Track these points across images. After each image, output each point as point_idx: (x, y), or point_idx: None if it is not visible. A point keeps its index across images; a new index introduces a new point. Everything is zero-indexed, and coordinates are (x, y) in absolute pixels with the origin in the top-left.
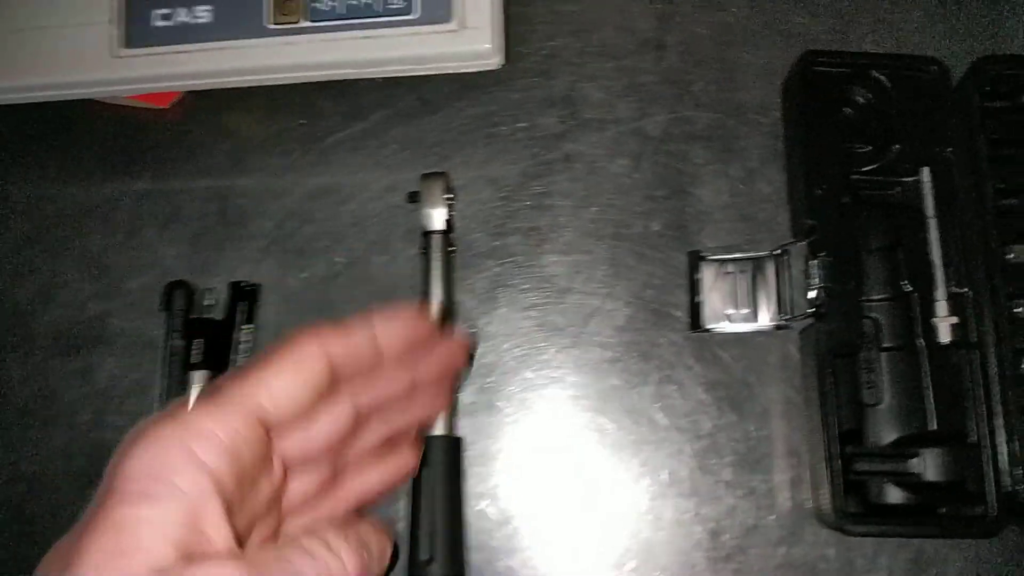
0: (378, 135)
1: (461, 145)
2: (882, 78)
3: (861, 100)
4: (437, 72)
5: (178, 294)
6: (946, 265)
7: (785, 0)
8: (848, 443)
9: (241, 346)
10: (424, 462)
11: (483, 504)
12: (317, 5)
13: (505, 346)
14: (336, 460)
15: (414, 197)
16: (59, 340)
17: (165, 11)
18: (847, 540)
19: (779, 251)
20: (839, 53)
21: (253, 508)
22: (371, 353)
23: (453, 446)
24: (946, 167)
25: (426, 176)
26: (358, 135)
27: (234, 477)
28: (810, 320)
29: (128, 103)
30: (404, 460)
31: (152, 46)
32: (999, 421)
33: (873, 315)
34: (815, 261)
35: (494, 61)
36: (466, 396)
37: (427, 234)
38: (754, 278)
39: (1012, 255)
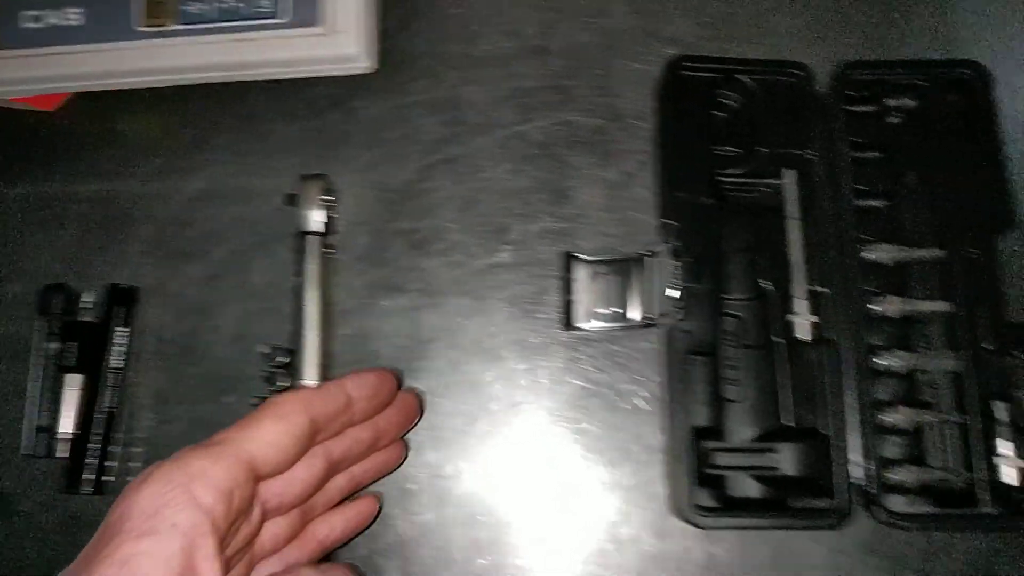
0: (263, 138)
1: (346, 148)
2: (749, 81)
3: (729, 104)
4: (307, 75)
5: (55, 297)
6: (806, 264)
7: (665, 7)
8: (708, 438)
9: (115, 349)
10: None
11: None
12: (187, 8)
13: (383, 348)
14: (306, 508)
15: (292, 199)
16: None
17: (34, 13)
18: (712, 534)
19: (647, 253)
20: (707, 58)
21: (234, 549)
22: (344, 410)
23: None
24: (808, 169)
25: (304, 178)
26: (244, 138)
27: (226, 518)
28: (672, 319)
29: (12, 105)
30: (365, 508)
31: (21, 48)
32: (853, 416)
33: (736, 313)
34: (676, 262)
35: (364, 65)
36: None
37: (303, 235)
38: (625, 278)
39: (869, 254)
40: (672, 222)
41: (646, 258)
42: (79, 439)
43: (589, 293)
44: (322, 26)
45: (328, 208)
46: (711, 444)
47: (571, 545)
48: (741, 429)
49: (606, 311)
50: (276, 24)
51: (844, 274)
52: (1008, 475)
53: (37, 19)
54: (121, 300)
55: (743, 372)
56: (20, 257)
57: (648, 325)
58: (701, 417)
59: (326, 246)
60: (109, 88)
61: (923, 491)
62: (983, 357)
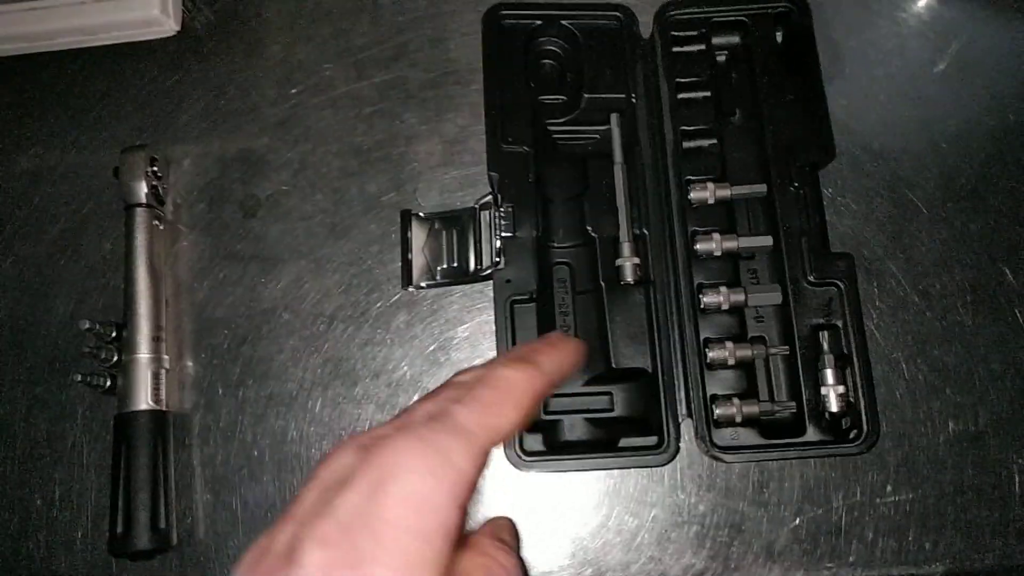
0: (92, 110)
1: (176, 116)
2: (571, 27)
3: (553, 50)
4: (116, 41)
5: None
6: (632, 208)
7: None
8: None
9: None
10: (123, 437)
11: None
12: None
13: (223, 317)
14: None
15: (117, 172)
16: None
17: None
18: (554, 478)
19: (479, 205)
20: (527, 4)
21: None
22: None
23: (156, 420)
24: (633, 113)
25: (126, 149)
26: (75, 110)
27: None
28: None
29: None
30: None
31: None
32: (678, 355)
33: (566, 260)
34: (500, 213)
35: (166, 28)
36: (195, 370)
37: (129, 207)
38: (461, 232)
39: (694, 193)
40: (495, 174)
41: (478, 210)
42: None
43: (427, 249)
44: None
45: (154, 179)
46: None
47: None
48: (579, 372)
49: (444, 266)
50: None
51: (669, 215)
52: (832, 403)
53: None
54: None
55: (576, 317)
56: None
57: (480, 279)
58: None
59: (155, 218)
60: None
61: (752, 423)
62: (806, 289)
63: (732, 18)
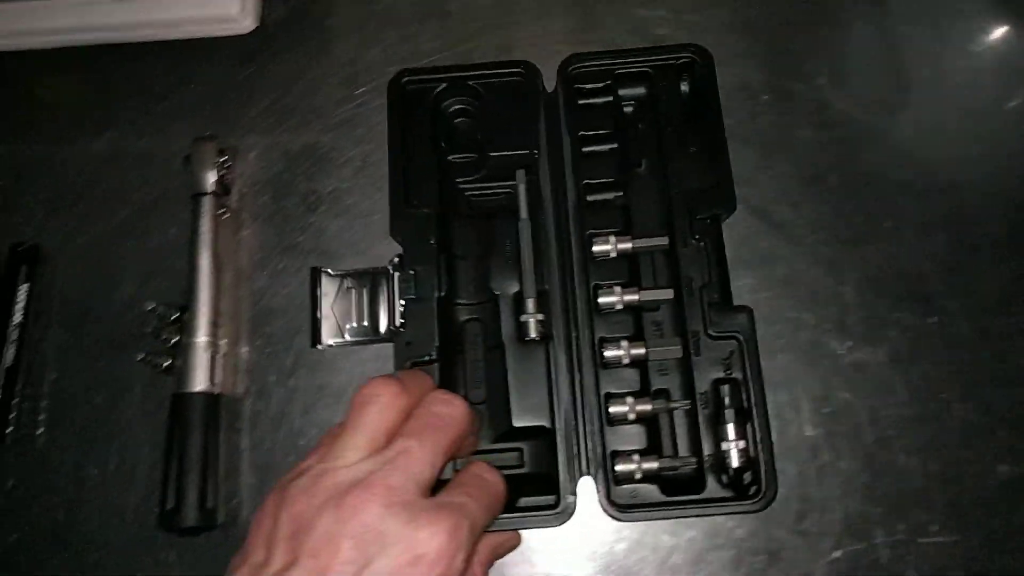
0: (166, 99)
1: (247, 110)
2: (476, 86)
3: (463, 108)
4: (191, 36)
5: None
6: (536, 263)
7: None
8: None
9: (16, 306)
10: (178, 416)
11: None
12: None
13: (277, 305)
14: None
15: (188, 161)
16: None
17: None
18: None
19: (389, 266)
20: (428, 68)
21: None
22: None
23: (210, 402)
24: (537, 168)
25: (198, 139)
26: (147, 100)
27: None
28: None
29: None
30: None
31: None
32: (580, 411)
33: (476, 317)
34: (403, 274)
35: (243, 25)
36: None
37: (196, 196)
38: (371, 291)
39: (597, 247)
40: (399, 237)
41: (391, 270)
42: None
43: (337, 308)
44: None
45: (222, 169)
46: None
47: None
48: (485, 431)
49: (354, 325)
50: None
51: (571, 270)
52: (733, 458)
53: None
54: (23, 258)
55: (484, 374)
56: None
57: (388, 340)
58: None
59: (220, 207)
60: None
61: (653, 479)
62: (707, 342)
63: (636, 69)
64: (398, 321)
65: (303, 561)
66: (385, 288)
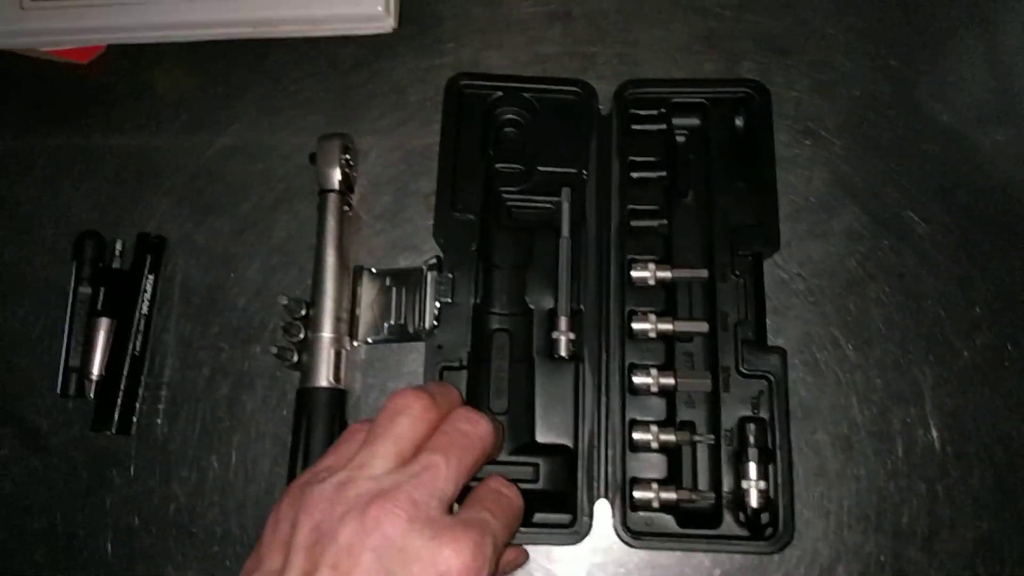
0: (290, 96)
1: (370, 109)
2: (531, 99)
3: (514, 119)
4: (332, 34)
5: (88, 244)
6: (573, 282)
7: None
8: None
9: (144, 295)
10: (304, 411)
11: None
12: None
13: None
14: None
15: (314, 158)
16: None
17: None
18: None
19: (425, 267)
20: (488, 75)
21: None
22: None
23: (335, 398)
24: (583, 188)
25: (324, 137)
26: (271, 95)
27: None
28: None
29: (48, 57)
30: None
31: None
32: (603, 434)
33: (505, 328)
34: (440, 277)
35: (386, 24)
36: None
37: (322, 192)
38: (409, 291)
39: (635, 272)
40: (440, 239)
41: (425, 271)
42: (108, 380)
43: (376, 305)
44: None
45: (347, 167)
46: None
47: None
48: (503, 441)
49: (390, 323)
50: None
51: (609, 292)
52: (752, 497)
53: None
54: (150, 249)
55: (510, 384)
56: (54, 205)
57: (420, 339)
58: None
59: (345, 204)
60: (141, 41)
61: (670, 509)
62: (737, 380)
63: (692, 100)
64: (430, 322)
65: (323, 572)
66: (419, 289)
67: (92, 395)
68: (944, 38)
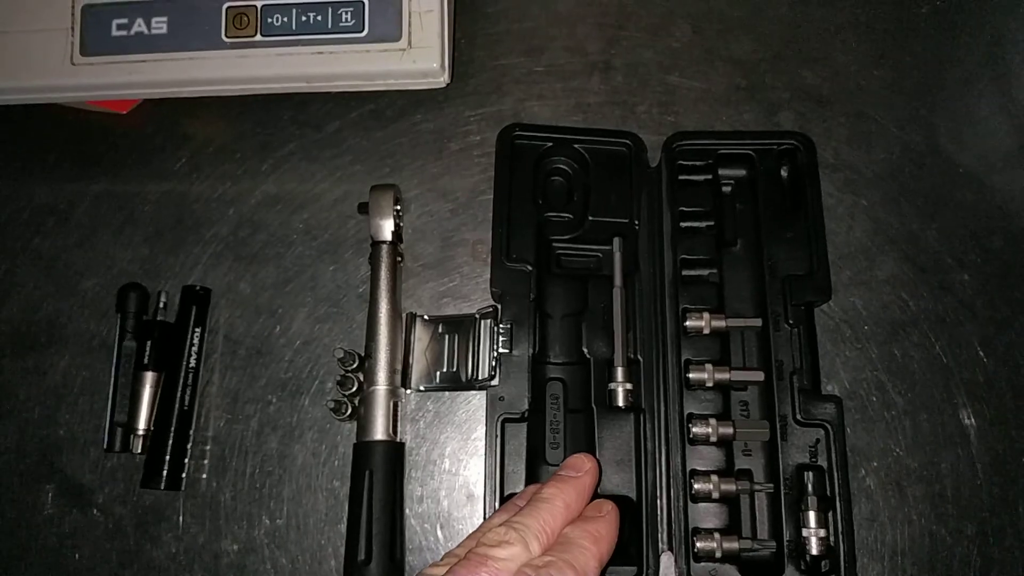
0: (332, 146)
1: (412, 158)
2: (581, 151)
3: (563, 168)
4: (385, 88)
5: (132, 296)
6: (627, 332)
7: (729, 26)
8: None
9: (192, 348)
10: (363, 466)
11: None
12: (270, 20)
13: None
14: None
15: (363, 208)
16: (13, 338)
17: (122, 21)
18: None
19: (478, 315)
20: (539, 126)
21: None
22: None
23: (394, 451)
24: (635, 238)
25: (376, 187)
26: (312, 145)
27: None
28: (490, 384)
29: (88, 107)
30: None
31: (109, 55)
32: (663, 485)
33: (559, 377)
34: (497, 327)
35: (441, 80)
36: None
37: (375, 244)
38: (462, 339)
39: (690, 322)
40: (496, 289)
41: (479, 319)
42: (156, 435)
43: (430, 352)
44: (404, 41)
45: (398, 217)
46: None
47: None
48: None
49: (444, 371)
50: (357, 38)
51: (664, 342)
52: (812, 545)
53: (124, 27)
54: (195, 301)
55: (566, 436)
56: (95, 256)
57: (478, 388)
58: (518, 481)
59: (397, 254)
60: (191, 95)
61: (731, 559)
62: (795, 428)
63: (738, 151)
64: (487, 372)
65: None
66: (472, 337)
67: (139, 450)
68: (961, 86)
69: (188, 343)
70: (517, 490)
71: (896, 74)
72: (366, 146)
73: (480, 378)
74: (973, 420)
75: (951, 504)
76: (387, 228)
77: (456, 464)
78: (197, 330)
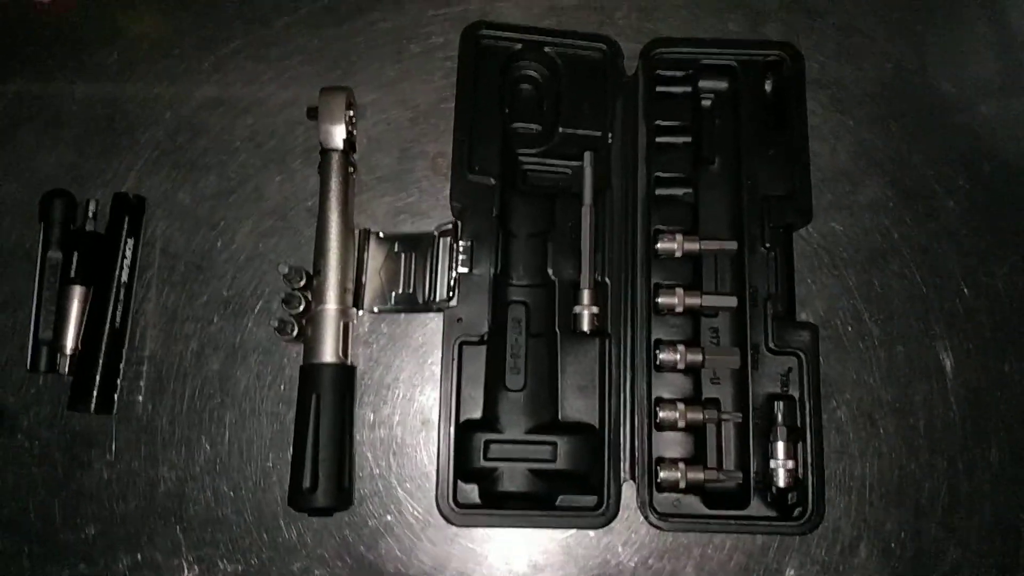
0: (280, 44)
1: (369, 60)
2: (552, 54)
3: (532, 76)
4: None
5: (57, 204)
6: (596, 253)
7: None
8: (485, 428)
9: (123, 261)
10: (310, 389)
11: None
12: None
13: None
14: None
15: (313, 113)
16: None
17: None
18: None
19: (436, 232)
20: (507, 25)
21: None
22: None
23: (343, 374)
24: (607, 153)
25: (326, 90)
26: (259, 42)
27: None
28: (448, 305)
29: None
30: None
31: None
32: (627, 413)
33: (522, 300)
34: (456, 245)
35: None
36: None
37: (325, 152)
38: (419, 258)
39: (662, 244)
40: (457, 204)
41: (437, 237)
42: (85, 354)
43: (384, 272)
44: None
45: (351, 124)
46: (487, 436)
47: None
48: (519, 419)
49: (399, 292)
50: None
51: (634, 265)
52: (780, 477)
53: None
54: (128, 210)
55: (527, 361)
56: (16, 159)
57: (436, 310)
58: (475, 407)
59: (349, 164)
60: None
61: (696, 490)
62: (767, 356)
63: (721, 62)
64: (445, 292)
65: None
66: (430, 256)
67: (67, 370)
68: (956, 5)
69: (120, 255)
70: (474, 416)
71: None
72: (317, 45)
73: (438, 299)
74: (950, 353)
75: (923, 438)
76: (338, 135)
77: (411, 389)
78: (130, 241)
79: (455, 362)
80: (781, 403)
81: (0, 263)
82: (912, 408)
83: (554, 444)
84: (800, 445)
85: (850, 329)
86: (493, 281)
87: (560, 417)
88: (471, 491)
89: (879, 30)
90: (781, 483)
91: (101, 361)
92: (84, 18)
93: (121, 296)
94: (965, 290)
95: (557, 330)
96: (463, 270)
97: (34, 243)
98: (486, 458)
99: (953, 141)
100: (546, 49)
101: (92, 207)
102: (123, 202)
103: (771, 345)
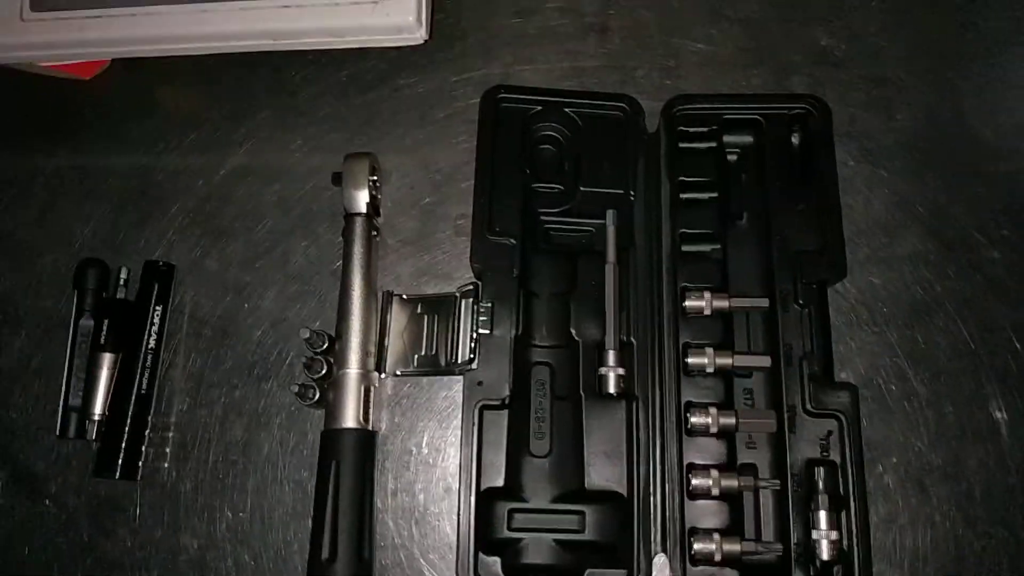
0: (306, 113)
1: (393, 126)
2: (573, 114)
3: (553, 135)
4: (358, 45)
5: (90, 273)
6: (621, 312)
7: None
8: (508, 497)
9: (152, 328)
10: (330, 456)
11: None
12: None
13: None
14: None
15: (337, 178)
16: None
17: None
18: None
19: (459, 293)
20: (527, 88)
21: None
22: None
23: (364, 440)
24: (630, 210)
25: (350, 156)
26: (287, 112)
27: None
28: (469, 368)
29: (49, 73)
30: None
31: (61, 10)
32: (657, 480)
33: (546, 361)
34: (476, 306)
35: (418, 35)
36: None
37: (348, 216)
38: (442, 320)
39: (690, 302)
40: (478, 265)
41: (459, 298)
42: (112, 421)
43: (407, 334)
44: None
45: (374, 188)
46: (511, 504)
47: None
48: (545, 487)
49: (421, 354)
50: None
51: (661, 324)
52: (823, 549)
53: None
54: (157, 277)
55: (552, 425)
56: (54, 229)
57: (458, 372)
58: (497, 474)
59: (372, 228)
60: (151, 55)
61: (733, 563)
62: (805, 419)
63: (745, 116)
64: (465, 355)
65: None
66: (452, 318)
67: (94, 437)
68: (990, 49)
69: (148, 322)
70: (496, 484)
71: (919, 36)
72: (344, 113)
73: (460, 361)
74: (1004, 413)
75: (979, 505)
76: (361, 199)
77: (434, 455)
78: (158, 308)
79: (475, 427)
80: (822, 469)
81: (36, 332)
82: (966, 473)
83: (582, 513)
84: (844, 514)
85: (894, 388)
86: (514, 342)
87: (586, 485)
88: (493, 564)
89: (909, 79)
90: (825, 555)
91: (127, 428)
92: (121, 94)
93: (148, 362)
94: (1017, 344)
95: (582, 392)
96: (484, 331)
97: (68, 312)
98: (510, 528)
99: (994, 189)
100: (566, 109)
101: (123, 275)
102: (153, 270)
103: (809, 407)
